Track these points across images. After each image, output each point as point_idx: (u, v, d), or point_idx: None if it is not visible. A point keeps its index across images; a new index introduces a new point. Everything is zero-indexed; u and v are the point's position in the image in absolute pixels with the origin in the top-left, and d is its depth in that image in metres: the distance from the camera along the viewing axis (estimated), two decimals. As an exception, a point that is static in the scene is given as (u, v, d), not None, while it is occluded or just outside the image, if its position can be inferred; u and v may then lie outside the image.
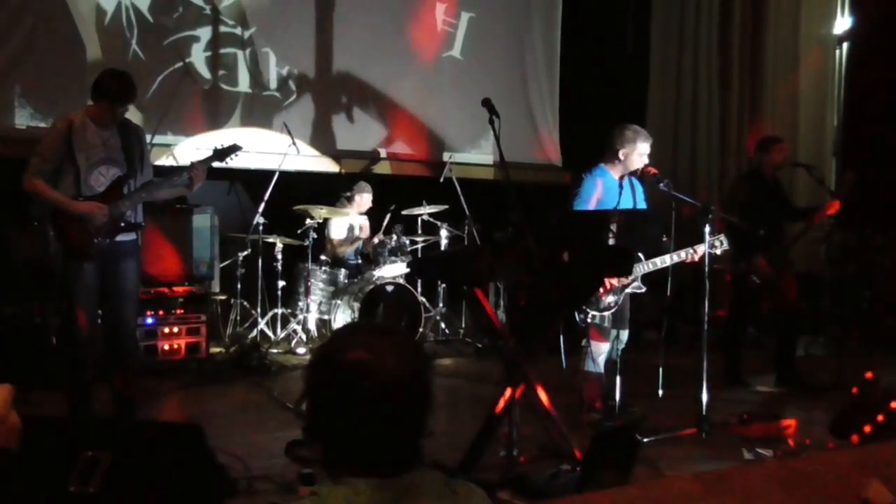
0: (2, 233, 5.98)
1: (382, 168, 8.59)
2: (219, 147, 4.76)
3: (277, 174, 6.88)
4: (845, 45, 8.03)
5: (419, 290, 7.32)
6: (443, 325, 7.60)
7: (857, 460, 2.29)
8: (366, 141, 8.56)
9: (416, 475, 1.61)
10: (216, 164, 4.72)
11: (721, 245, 4.84)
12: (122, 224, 4.42)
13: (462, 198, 7.61)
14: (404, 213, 7.69)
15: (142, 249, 4.64)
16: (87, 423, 3.74)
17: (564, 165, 9.44)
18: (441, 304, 7.67)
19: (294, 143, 7.02)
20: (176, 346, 6.00)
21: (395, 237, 7.32)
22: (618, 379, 4.69)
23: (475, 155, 8.96)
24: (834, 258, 6.97)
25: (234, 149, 4.75)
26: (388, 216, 7.46)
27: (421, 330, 7.14)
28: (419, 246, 7.83)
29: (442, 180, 7.76)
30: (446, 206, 7.67)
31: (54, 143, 4.33)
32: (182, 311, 6.07)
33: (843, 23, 8.09)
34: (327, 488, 1.58)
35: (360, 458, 1.58)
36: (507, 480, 3.54)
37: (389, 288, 7.05)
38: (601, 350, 4.78)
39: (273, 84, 8.10)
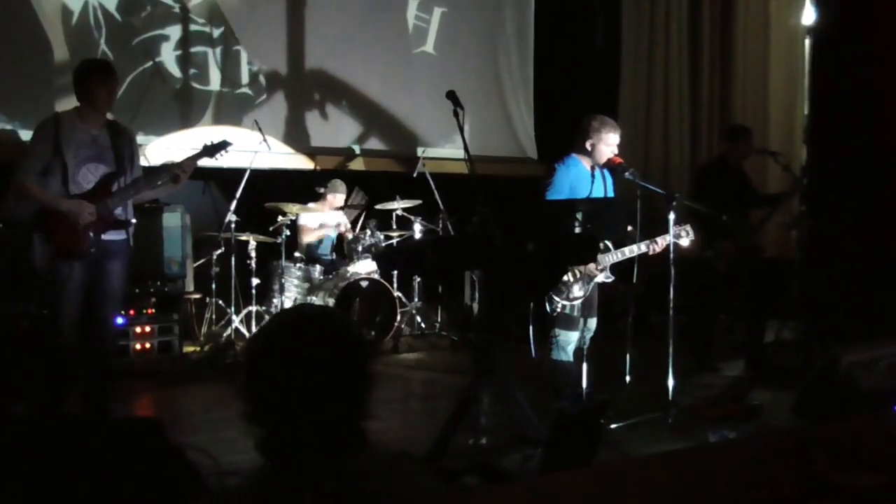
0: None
1: (356, 164, 8.59)
2: (209, 143, 4.71)
3: (249, 172, 6.85)
4: (814, 35, 8.09)
5: (394, 284, 7.34)
6: (419, 319, 7.61)
7: (817, 437, 2.33)
8: (339, 137, 8.55)
9: (359, 456, 1.63)
10: (206, 161, 4.67)
11: (688, 235, 4.87)
12: (111, 221, 4.39)
13: (436, 192, 7.63)
14: (378, 207, 7.70)
15: (132, 250, 4.58)
16: (59, 421, 3.73)
17: (539, 158, 9.46)
18: (416, 299, 7.70)
19: (265, 140, 6.98)
20: (148, 346, 5.99)
21: (369, 232, 7.34)
22: (584, 366, 4.73)
23: (448, 149, 8.95)
24: (803, 243, 7.04)
25: (223, 145, 4.71)
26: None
27: (397, 324, 7.16)
28: (394, 241, 7.85)
29: (415, 175, 7.79)
30: (420, 201, 7.69)
31: (44, 141, 4.29)
32: (153, 310, 6.06)
33: (811, 13, 8.15)
34: (269, 475, 1.61)
35: (301, 440, 1.60)
36: (473, 466, 3.56)
37: (364, 283, 7.06)
38: (570, 339, 4.80)
39: (245, 82, 8.07)
